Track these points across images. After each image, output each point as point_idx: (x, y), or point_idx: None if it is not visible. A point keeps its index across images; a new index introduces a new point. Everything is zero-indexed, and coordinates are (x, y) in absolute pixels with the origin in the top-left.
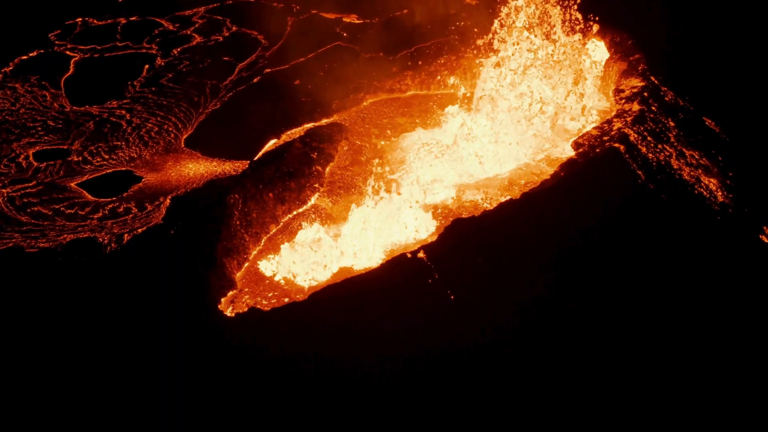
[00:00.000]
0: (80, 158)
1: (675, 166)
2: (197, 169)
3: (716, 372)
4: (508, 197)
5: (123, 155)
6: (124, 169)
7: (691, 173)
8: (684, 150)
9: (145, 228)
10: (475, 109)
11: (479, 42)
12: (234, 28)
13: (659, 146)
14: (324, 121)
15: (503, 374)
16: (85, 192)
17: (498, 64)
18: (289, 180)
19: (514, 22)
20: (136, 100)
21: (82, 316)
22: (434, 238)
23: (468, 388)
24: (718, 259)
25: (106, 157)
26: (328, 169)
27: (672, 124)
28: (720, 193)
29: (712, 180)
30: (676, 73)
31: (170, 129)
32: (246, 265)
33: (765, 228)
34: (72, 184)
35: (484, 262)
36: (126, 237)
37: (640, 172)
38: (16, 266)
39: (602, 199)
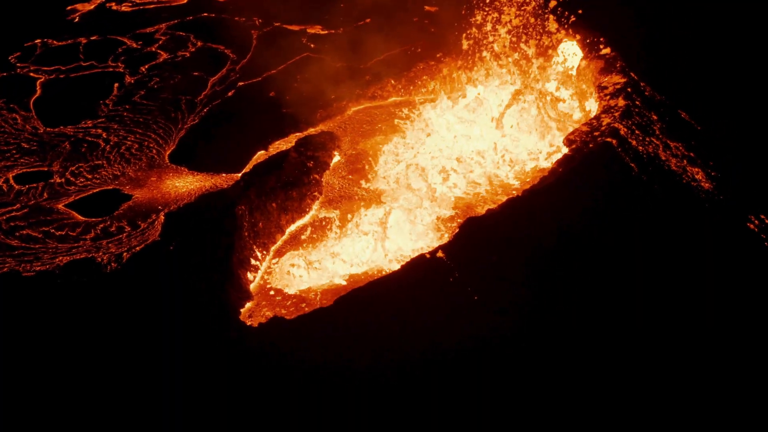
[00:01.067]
0: (63, 179)
1: (663, 158)
2: (186, 184)
3: (709, 354)
4: (510, 195)
5: (106, 174)
6: (110, 187)
7: (678, 164)
8: (669, 142)
9: (143, 246)
10: (464, 112)
11: (456, 49)
12: (199, 44)
13: (647, 139)
14: (311, 131)
15: (540, 366)
16: (74, 213)
17: (472, 70)
18: (290, 189)
19: (492, 24)
20: (111, 118)
21: (93, 338)
22: (438, 239)
23: (508, 381)
24: (710, 247)
25: (89, 176)
26: (325, 178)
27: (655, 117)
28: (706, 184)
29: (696, 169)
30: (649, 69)
31: (151, 145)
32: (259, 276)
33: (751, 216)
34: (59, 206)
35: (498, 259)
36: (125, 255)
37: (633, 165)
38: (14, 291)
39: (600, 192)
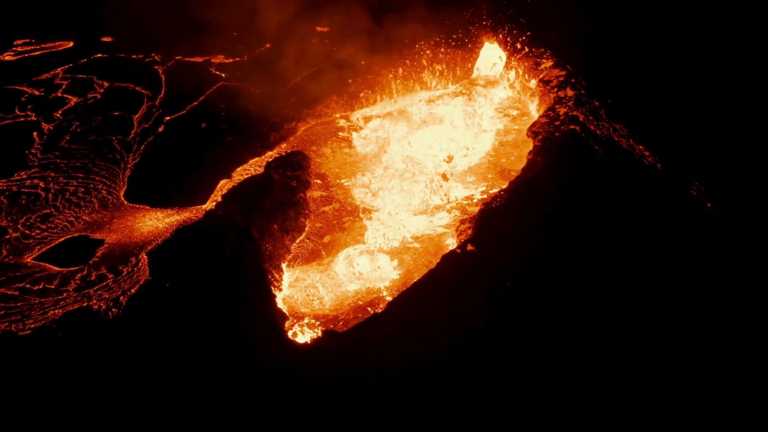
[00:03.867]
0: (18, 233)
1: (615, 139)
2: (154, 222)
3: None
4: (499, 188)
5: (60, 221)
6: (77, 234)
7: (627, 143)
8: (614, 125)
9: (137, 287)
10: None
11: (389, 61)
12: (106, 84)
13: (600, 123)
14: (270, 154)
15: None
16: (46, 264)
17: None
18: (286, 210)
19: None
20: (45, 167)
21: (122, 388)
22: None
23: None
24: (668, 213)
25: (44, 227)
26: (309, 195)
27: (597, 103)
28: (651, 159)
29: (641, 147)
30: (575, 61)
31: (99, 187)
32: (283, 295)
33: (692, 185)
34: (27, 260)
35: (514, 246)
36: (122, 300)
37: (596, 148)
38: (15, 353)
39: (579, 174)
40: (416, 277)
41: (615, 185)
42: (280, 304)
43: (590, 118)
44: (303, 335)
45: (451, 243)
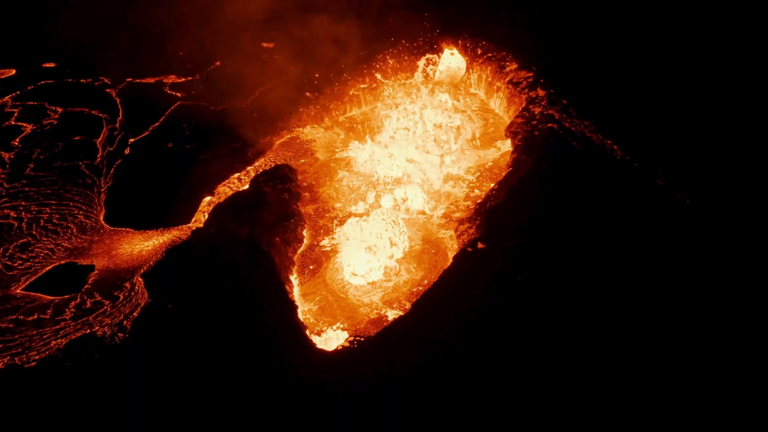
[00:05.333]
0: (0, 265)
1: (588, 135)
2: (141, 244)
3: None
4: (488, 188)
5: (40, 250)
6: (62, 262)
7: (598, 138)
8: (584, 122)
9: (138, 311)
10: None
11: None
12: (59, 110)
13: (574, 121)
14: (250, 169)
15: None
16: (37, 294)
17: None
18: (285, 222)
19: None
20: (14, 196)
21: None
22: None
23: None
24: (638, 199)
25: (24, 256)
26: (304, 210)
27: (565, 102)
28: (620, 152)
29: (609, 141)
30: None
31: (74, 212)
32: (298, 305)
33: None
34: (17, 291)
35: (519, 240)
36: (126, 324)
37: (574, 144)
38: (24, 386)
39: (565, 171)
40: (419, 278)
41: (597, 179)
42: (299, 314)
43: (563, 115)
44: (328, 343)
45: (450, 243)
